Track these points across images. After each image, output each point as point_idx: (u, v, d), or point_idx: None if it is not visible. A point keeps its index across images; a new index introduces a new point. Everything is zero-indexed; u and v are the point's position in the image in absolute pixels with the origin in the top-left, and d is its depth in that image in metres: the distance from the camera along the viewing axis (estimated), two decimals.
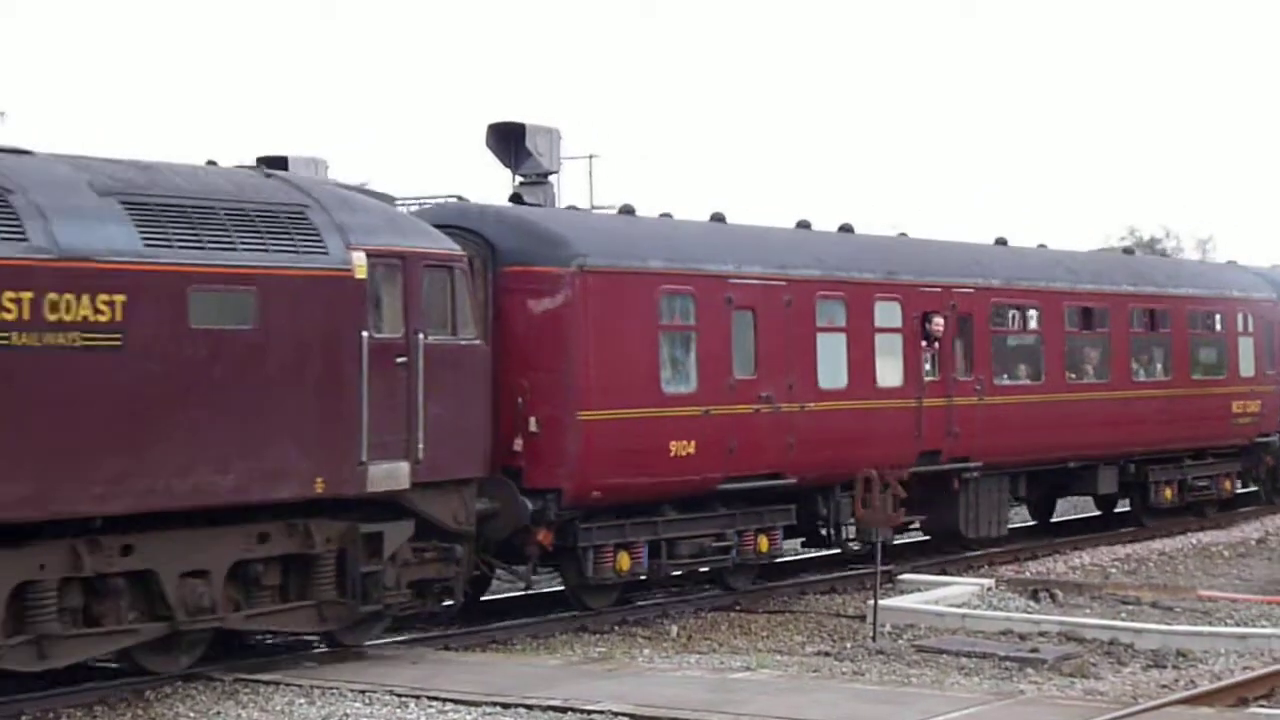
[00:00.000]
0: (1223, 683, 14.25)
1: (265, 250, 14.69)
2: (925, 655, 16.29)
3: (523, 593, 19.42)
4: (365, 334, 15.36)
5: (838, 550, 21.75)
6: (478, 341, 16.79)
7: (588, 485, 18.14)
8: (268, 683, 14.18)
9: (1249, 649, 16.34)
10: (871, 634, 17.35)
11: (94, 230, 13.61)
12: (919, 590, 19.82)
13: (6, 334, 12.81)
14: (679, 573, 19.50)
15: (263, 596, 14.90)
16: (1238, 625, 18.09)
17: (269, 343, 14.61)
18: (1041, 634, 17.29)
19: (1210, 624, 18.14)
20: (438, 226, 17.10)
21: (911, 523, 21.01)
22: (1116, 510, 28.00)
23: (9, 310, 12.83)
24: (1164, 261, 30.17)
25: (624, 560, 18.56)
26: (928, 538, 23.53)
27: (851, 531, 21.19)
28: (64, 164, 14.16)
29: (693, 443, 19.05)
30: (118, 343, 13.51)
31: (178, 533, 14.19)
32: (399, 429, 15.61)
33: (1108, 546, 24.48)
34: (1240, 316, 28.97)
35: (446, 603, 16.87)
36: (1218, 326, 28.60)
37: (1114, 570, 22.70)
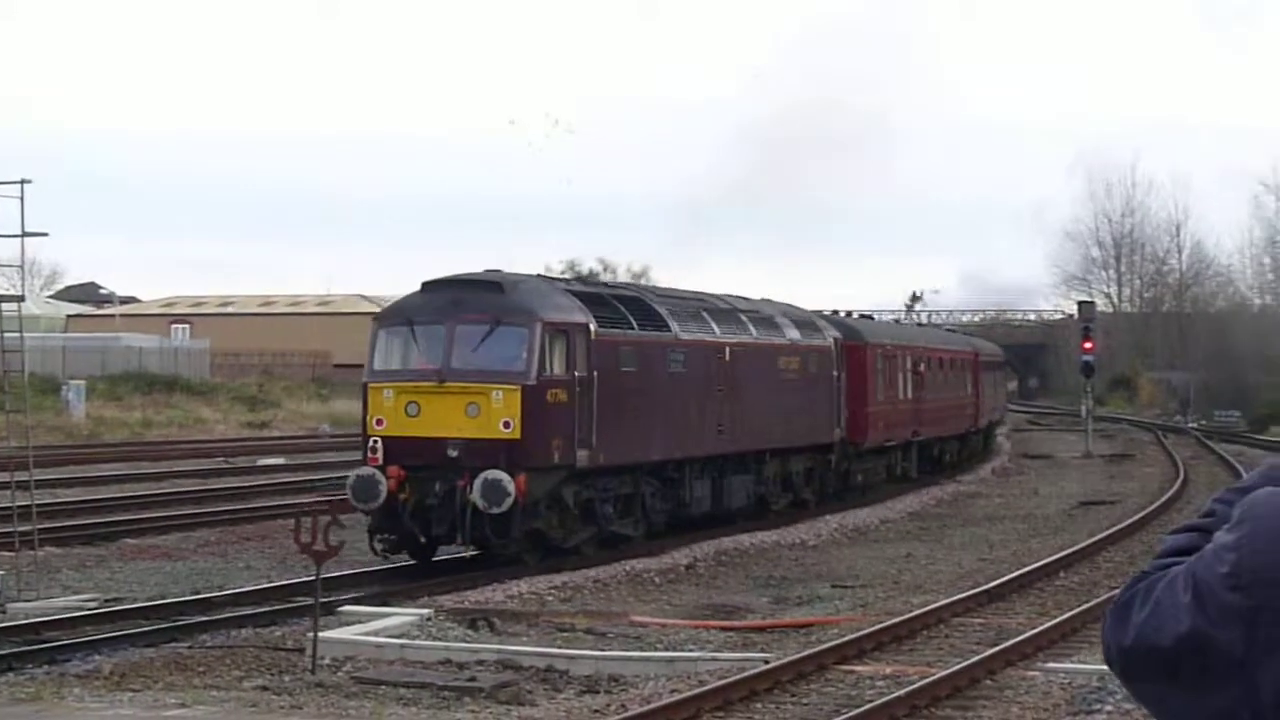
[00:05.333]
0: (651, 706, 14.70)
1: (809, 337, 36.02)
2: (364, 687, 16.27)
3: None
4: (833, 372, 36.60)
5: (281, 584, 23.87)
6: (838, 374, 37.14)
7: (866, 437, 38.94)
8: None
9: (676, 672, 16.92)
10: (311, 667, 17.23)
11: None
12: (360, 622, 19.81)
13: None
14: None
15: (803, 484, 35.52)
16: (667, 650, 18.68)
17: (809, 373, 35.65)
18: (480, 663, 17.49)
19: (641, 649, 18.69)
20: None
21: (341, 546, 21.08)
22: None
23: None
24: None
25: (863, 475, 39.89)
26: None
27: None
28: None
29: (883, 422, 40.52)
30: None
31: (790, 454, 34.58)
32: (833, 413, 36.42)
33: (544, 575, 24.98)
34: None
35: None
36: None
37: (550, 598, 23.15)
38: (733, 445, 31.17)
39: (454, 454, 24.48)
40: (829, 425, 36.57)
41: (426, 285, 26.57)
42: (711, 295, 33.73)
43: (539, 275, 26.97)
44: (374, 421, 25.06)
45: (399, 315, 26.17)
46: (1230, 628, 2.04)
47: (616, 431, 26.54)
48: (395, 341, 25.80)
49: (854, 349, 39.06)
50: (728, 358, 31.23)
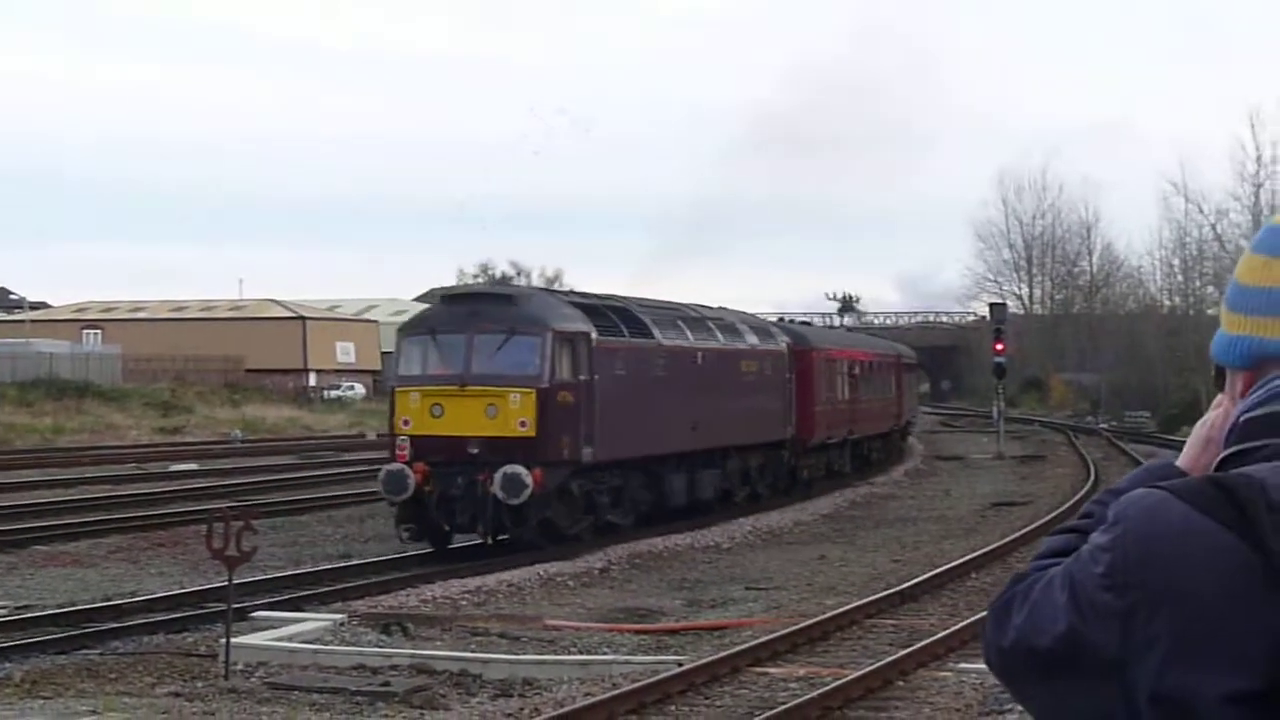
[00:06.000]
0: (565, 709, 14.71)
1: (765, 343, 39.41)
2: (277, 693, 16.21)
3: None
4: (786, 376, 39.79)
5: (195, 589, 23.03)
6: (790, 377, 40.13)
7: (813, 435, 41.77)
8: None
9: (591, 675, 16.95)
10: (224, 673, 17.15)
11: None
12: (273, 627, 19.73)
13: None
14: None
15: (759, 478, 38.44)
16: (581, 653, 18.72)
17: (766, 375, 38.49)
18: (393, 667, 17.46)
19: (555, 652, 18.72)
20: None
21: (254, 551, 21.02)
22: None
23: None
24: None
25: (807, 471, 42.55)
26: None
27: None
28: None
29: (826, 422, 43.37)
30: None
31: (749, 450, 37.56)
32: (788, 411, 39.70)
33: (458, 579, 24.93)
34: None
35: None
36: None
37: (464, 602, 23.11)
38: (704, 442, 34.10)
39: (475, 451, 27.12)
40: (782, 424, 39.66)
41: (445, 298, 29.84)
42: (683, 304, 37.14)
43: (543, 289, 30.22)
44: (401, 422, 27.74)
45: (422, 325, 29.25)
46: (1105, 627, 2.10)
47: (613, 430, 29.27)
48: (419, 349, 28.61)
49: (802, 353, 41.91)
50: (699, 362, 34.40)
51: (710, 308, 39.23)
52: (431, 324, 28.96)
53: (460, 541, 28.05)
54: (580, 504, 29.06)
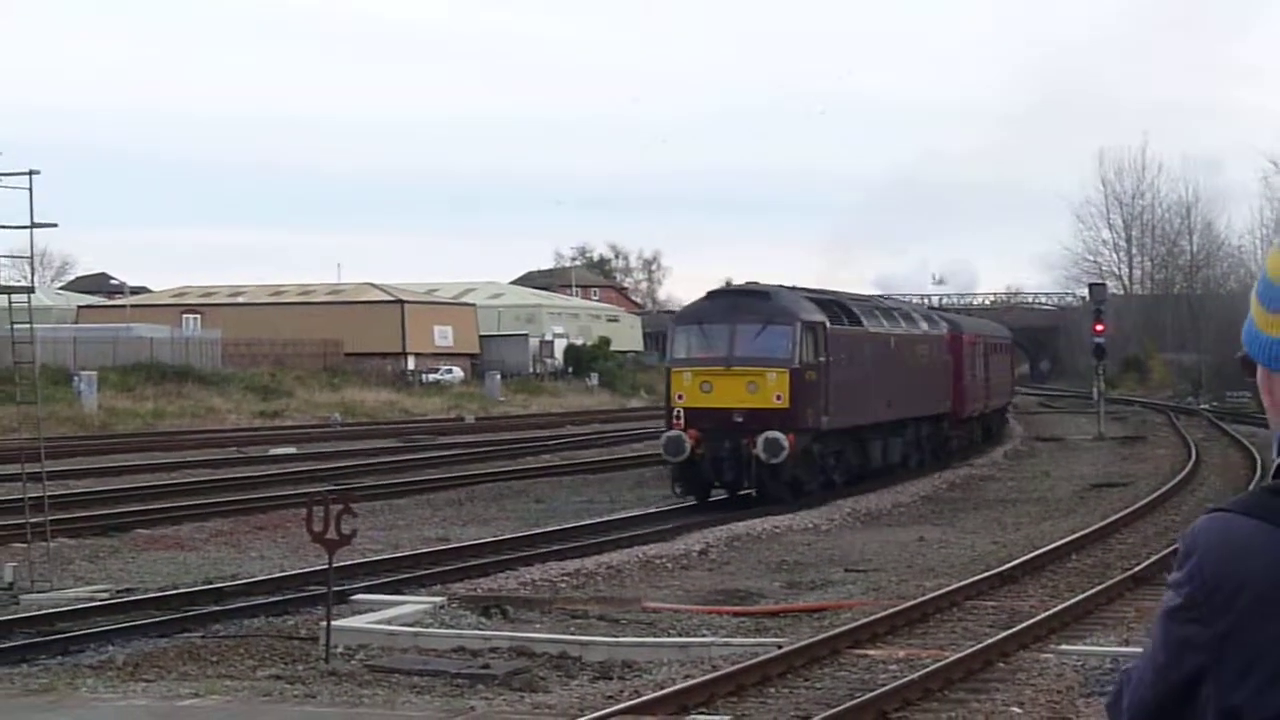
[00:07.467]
0: (665, 691, 14.69)
1: (933, 329, 46.06)
2: (378, 675, 16.26)
3: None
4: (947, 358, 46.02)
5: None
6: (949, 358, 46.43)
7: (962, 410, 47.53)
8: None
9: (690, 658, 16.91)
10: (324, 655, 17.23)
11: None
12: (372, 610, 19.81)
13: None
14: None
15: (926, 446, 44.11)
16: (680, 635, 18.68)
17: (933, 357, 44.67)
18: (493, 650, 17.48)
19: (654, 635, 18.69)
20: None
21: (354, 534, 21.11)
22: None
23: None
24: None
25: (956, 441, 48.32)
26: None
27: None
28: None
29: (970, 397, 49.13)
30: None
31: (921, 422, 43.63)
32: (947, 388, 45.59)
33: (557, 562, 24.95)
34: None
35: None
36: None
37: (563, 585, 23.13)
38: (895, 414, 40.05)
39: (739, 420, 32.69)
40: (944, 399, 45.77)
41: (710, 294, 35.70)
42: (875, 296, 44.97)
43: (788, 286, 36.03)
44: (676, 396, 33.36)
45: (692, 317, 35.23)
46: (1197, 660, 2.02)
47: (840, 402, 35.08)
48: (690, 336, 34.26)
49: (954, 338, 48.21)
50: (892, 346, 40.41)
51: (891, 298, 46.92)
52: (699, 316, 34.72)
53: (714, 496, 33.54)
54: (817, 464, 34.59)
